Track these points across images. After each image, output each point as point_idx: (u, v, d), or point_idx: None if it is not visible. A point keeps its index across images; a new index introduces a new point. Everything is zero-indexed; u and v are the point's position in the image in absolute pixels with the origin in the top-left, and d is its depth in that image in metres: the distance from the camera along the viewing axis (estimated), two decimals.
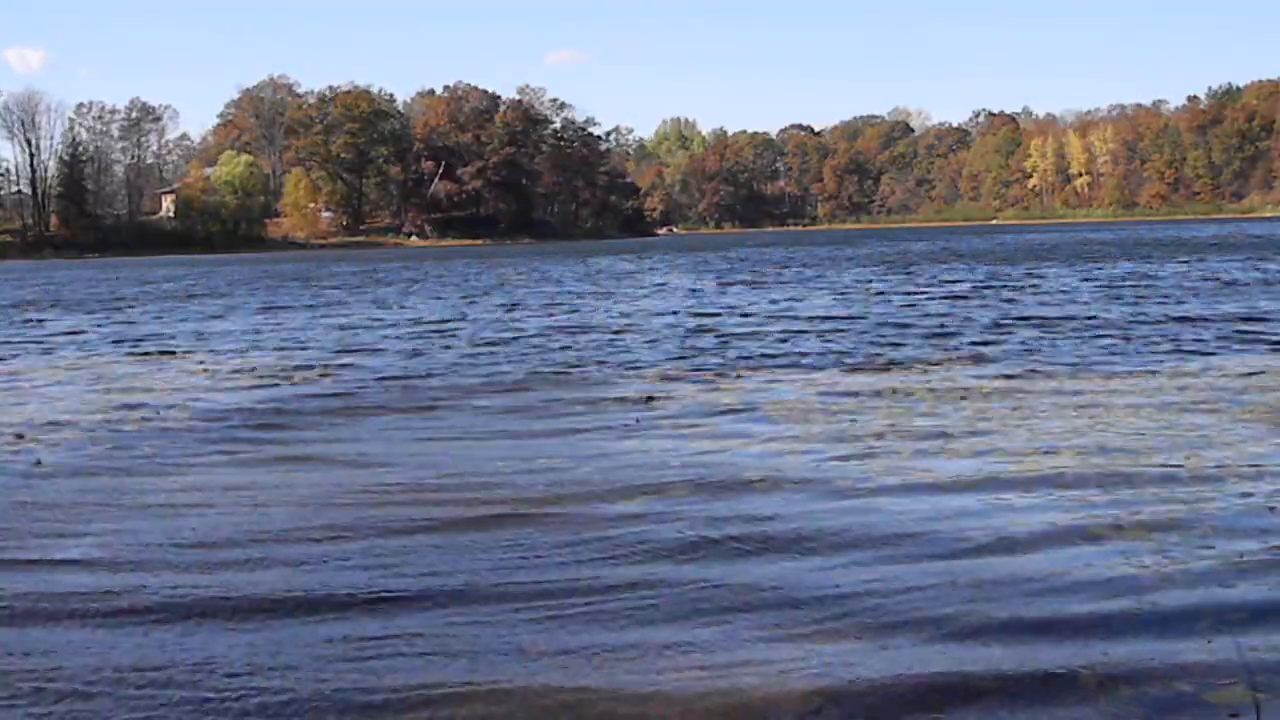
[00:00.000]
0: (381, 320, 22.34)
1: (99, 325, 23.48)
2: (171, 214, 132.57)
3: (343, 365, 14.56)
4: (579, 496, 6.86)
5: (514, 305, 25.57)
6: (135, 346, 18.40)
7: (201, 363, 15.57)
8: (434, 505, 6.76)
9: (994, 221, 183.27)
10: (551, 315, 22.13)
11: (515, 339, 17.41)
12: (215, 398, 11.72)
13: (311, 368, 14.37)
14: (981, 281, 28.75)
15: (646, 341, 16.35)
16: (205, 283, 44.26)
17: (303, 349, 17.01)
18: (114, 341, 19.53)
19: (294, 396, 11.69)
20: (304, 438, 9.33)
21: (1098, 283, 26.76)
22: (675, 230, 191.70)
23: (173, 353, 17.20)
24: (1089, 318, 17.74)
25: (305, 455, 8.51)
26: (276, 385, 12.68)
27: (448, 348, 16.42)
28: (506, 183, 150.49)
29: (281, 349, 17.16)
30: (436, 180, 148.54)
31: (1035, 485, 6.86)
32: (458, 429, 9.48)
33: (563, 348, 15.82)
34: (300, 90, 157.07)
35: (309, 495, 7.12)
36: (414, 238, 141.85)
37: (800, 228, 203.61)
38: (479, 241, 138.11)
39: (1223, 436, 8.10)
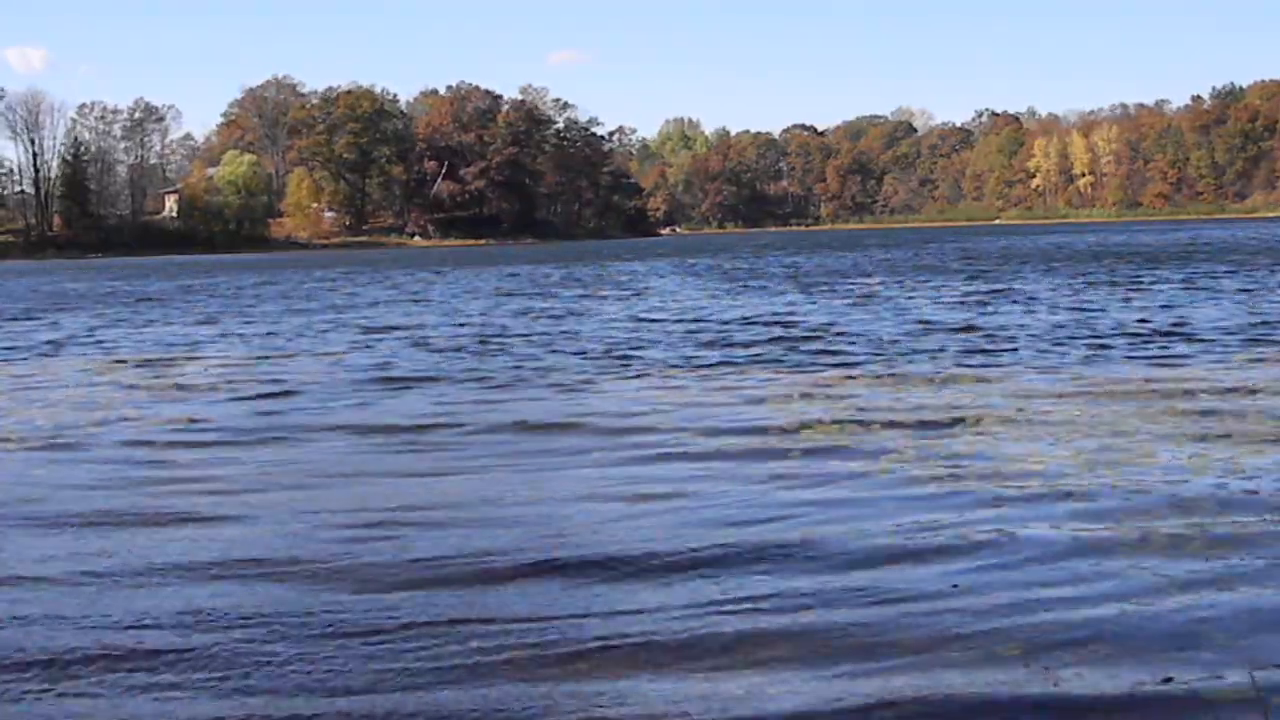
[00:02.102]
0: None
1: None
2: (174, 214, 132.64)
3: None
4: None
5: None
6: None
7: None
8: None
9: (997, 221, 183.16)
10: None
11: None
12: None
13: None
14: None
15: None
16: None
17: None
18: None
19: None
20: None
21: None
22: (679, 230, 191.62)
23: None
24: None
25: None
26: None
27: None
28: (509, 183, 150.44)
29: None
30: (439, 180, 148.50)
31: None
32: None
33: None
34: (303, 90, 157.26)
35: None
36: (417, 238, 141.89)
37: (803, 228, 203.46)
38: (482, 241, 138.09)
39: None
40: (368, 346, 17.73)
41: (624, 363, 14.42)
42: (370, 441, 9.43)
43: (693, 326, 19.53)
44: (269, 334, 20.67)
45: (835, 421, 9.59)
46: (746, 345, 16.17)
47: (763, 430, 9.32)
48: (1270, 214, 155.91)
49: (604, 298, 28.86)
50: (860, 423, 9.47)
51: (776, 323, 19.68)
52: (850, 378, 12.36)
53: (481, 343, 17.64)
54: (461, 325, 21.32)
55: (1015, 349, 14.46)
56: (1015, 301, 22.71)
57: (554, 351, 15.96)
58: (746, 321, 20.16)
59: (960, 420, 9.39)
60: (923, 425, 9.26)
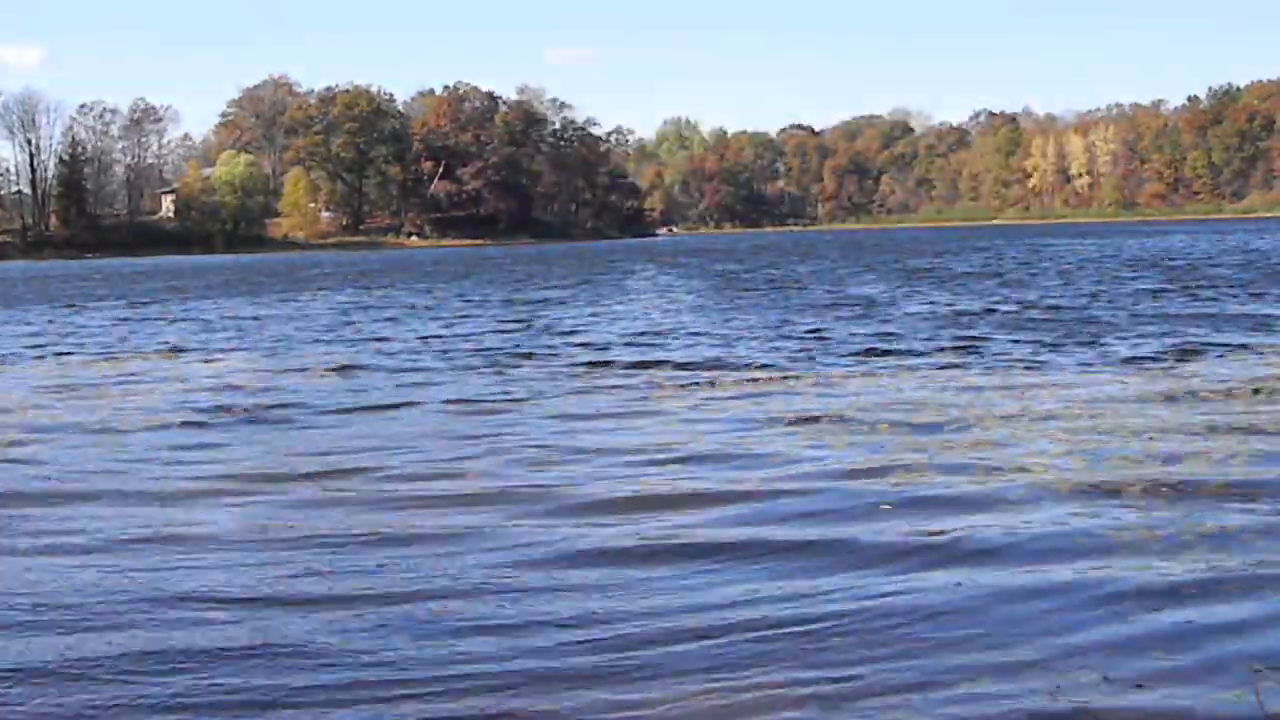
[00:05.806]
0: None
1: None
2: (171, 214, 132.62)
3: None
4: None
5: None
6: None
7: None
8: None
9: (994, 222, 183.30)
10: None
11: None
12: None
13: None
14: None
15: None
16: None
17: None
18: None
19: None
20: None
21: None
22: (675, 231, 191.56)
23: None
24: None
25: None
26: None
27: None
28: (506, 183, 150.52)
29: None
30: (436, 180, 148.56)
31: None
32: None
33: None
34: (300, 90, 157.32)
35: None
36: (414, 238, 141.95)
37: (800, 228, 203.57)
38: (479, 241, 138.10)
39: None
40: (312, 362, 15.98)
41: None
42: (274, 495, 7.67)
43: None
44: (212, 349, 18.31)
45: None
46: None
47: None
48: (1267, 214, 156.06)
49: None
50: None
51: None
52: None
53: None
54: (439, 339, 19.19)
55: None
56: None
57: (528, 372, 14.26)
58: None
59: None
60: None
